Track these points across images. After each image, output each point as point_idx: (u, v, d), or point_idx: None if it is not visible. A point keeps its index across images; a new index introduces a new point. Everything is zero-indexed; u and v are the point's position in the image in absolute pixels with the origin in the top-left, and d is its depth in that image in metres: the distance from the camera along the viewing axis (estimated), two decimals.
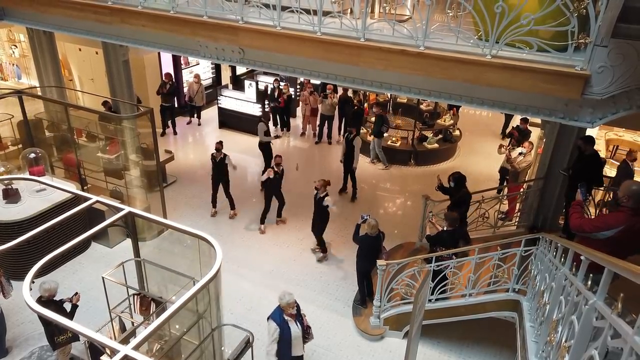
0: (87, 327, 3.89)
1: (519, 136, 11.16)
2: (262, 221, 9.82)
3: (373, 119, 13.53)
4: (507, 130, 13.52)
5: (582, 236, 4.66)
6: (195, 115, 14.69)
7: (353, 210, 10.51)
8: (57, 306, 5.76)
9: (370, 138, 13.07)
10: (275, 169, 9.16)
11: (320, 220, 8.83)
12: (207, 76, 15.65)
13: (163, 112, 13.30)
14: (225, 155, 9.61)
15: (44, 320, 5.62)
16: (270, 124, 14.48)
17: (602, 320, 2.95)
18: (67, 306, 5.97)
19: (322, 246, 9.03)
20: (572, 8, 4.28)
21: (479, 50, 4.89)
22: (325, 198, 8.47)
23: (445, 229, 7.03)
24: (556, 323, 4.16)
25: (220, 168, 9.72)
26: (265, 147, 11.37)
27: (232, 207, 10.24)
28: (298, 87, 15.34)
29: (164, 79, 13.05)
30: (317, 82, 13.58)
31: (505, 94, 5.14)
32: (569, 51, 4.51)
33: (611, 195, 7.80)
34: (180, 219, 9.62)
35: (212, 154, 9.66)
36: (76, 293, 6.05)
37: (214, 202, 10.23)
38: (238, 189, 10.92)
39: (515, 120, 13.38)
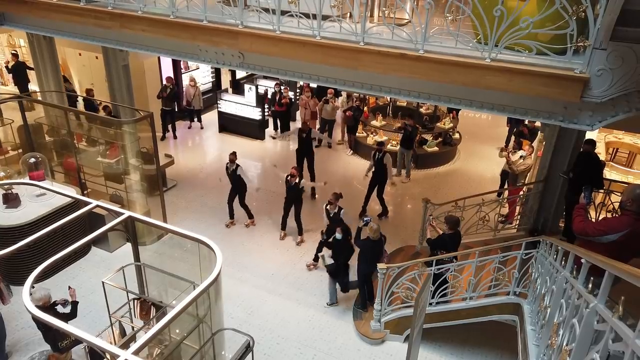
0: (87, 331, 3.89)
1: (529, 135, 11.22)
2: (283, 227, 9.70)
3: (373, 122, 13.59)
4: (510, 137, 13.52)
5: (584, 240, 4.64)
6: (196, 119, 14.70)
7: (353, 213, 10.49)
8: (55, 312, 5.74)
9: (370, 141, 13.09)
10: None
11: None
12: (206, 80, 15.68)
13: (163, 116, 13.31)
14: (237, 165, 9.42)
15: (44, 327, 5.60)
16: (271, 127, 14.59)
17: (603, 324, 2.94)
18: (63, 309, 5.94)
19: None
20: (571, 11, 4.29)
21: (478, 53, 4.90)
22: (341, 212, 8.19)
23: (446, 232, 7.04)
24: (557, 326, 4.15)
25: (233, 178, 9.58)
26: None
27: (250, 216, 10.10)
28: (298, 90, 15.36)
29: (165, 82, 13.07)
30: (315, 85, 13.58)
31: (505, 97, 5.14)
32: (568, 54, 4.52)
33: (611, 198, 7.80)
34: (180, 223, 9.62)
35: (226, 164, 9.56)
36: (69, 287, 5.93)
37: (230, 212, 10.11)
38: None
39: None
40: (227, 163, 9.48)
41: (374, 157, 10.03)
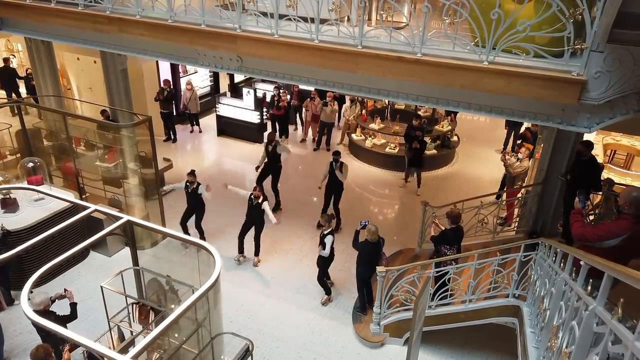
0: (86, 336, 3.88)
1: (532, 138, 11.25)
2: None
3: (372, 125, 13.60)
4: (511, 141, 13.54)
5: (584, 245, 4.61)
6: (194, 122, 14.72)
7: (352, 216, 10.49)
8: (56, 316, 5.74)
9: (368, 144, 13.10)
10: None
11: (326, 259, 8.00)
12: (205, 84, 15.70)
13: (163, 118, 13.40)
14: (198, 184, 8.81)
15: (43, 331, 5.59)
16: (270, 131, 14.60)
17: (603, 326, 2.94)
18: (65, 307, 5.93)
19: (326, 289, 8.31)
20: (568, 14, 4.31)
21: (475, 56, 4.92)
22: (327, 237, 7.64)
23: (448, 227, 7.16)
24: (557, 329, 4.15)
25: (192, 198, 8.94)
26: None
27: (203, 239, 9.04)
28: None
29: (162, 85, 13.10)
30: (311, 88, 13.56)
31: (503, 100, 5.16)
32: (566, 57, 4.53)
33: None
34: (179, 227, 9.59)
35: (186, 183, 8.84)
36: (65, 290, 5.92)
37: (183, 228, 9.31)
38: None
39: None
40: (187, 182, 8.81)
41: (330, 166, 9.50)
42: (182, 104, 14.26)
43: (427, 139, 13.02)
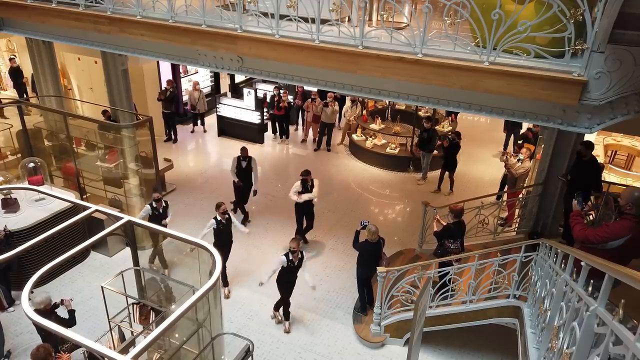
0: (86, 336, 3.87)
1: (533, 138, 11.26)
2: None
3: (372, 125, 13.61)
4: (510, 141, 13.53)
5: (587, 246, 4.60)
6: (199, 122, 14.73)
7: (352, 217, 10.50)
8: (56, 316, 5.75)
9: (369, 145, 13.10)
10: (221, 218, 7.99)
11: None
12: (206, 84, 15.72)
13: (166, 119, 13.43)
14: (167, 212, 8.42)
15: (43, 331, 5.59)
16: (270, 131, 14.63)
17: (604, 327, 2.94)
18: (64, 313, 5.94)
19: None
20: (569, 15, 4.30)
21: (476, 57, 4.91)
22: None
23: (451, 222, 7.26)
24: (557, 329, 4.14)
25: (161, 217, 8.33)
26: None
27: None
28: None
29: (165, 85, 13.11)
30: (312, 88, 13.56)
31: (503, 100, 5.15)
32: (566, 57, 4.52)
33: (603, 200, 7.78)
34: (179, 227, 9.58)
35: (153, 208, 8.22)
36: (62, 300, 5.97)
37: None
38: None
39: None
40: (153, 201, 8.22)
41: (303, 185, 9.05)
42: (189, 104, 14.28)
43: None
